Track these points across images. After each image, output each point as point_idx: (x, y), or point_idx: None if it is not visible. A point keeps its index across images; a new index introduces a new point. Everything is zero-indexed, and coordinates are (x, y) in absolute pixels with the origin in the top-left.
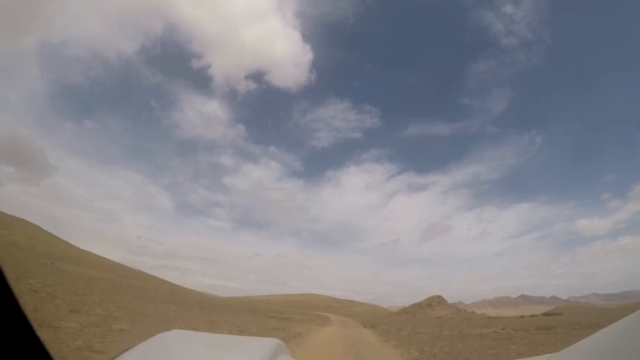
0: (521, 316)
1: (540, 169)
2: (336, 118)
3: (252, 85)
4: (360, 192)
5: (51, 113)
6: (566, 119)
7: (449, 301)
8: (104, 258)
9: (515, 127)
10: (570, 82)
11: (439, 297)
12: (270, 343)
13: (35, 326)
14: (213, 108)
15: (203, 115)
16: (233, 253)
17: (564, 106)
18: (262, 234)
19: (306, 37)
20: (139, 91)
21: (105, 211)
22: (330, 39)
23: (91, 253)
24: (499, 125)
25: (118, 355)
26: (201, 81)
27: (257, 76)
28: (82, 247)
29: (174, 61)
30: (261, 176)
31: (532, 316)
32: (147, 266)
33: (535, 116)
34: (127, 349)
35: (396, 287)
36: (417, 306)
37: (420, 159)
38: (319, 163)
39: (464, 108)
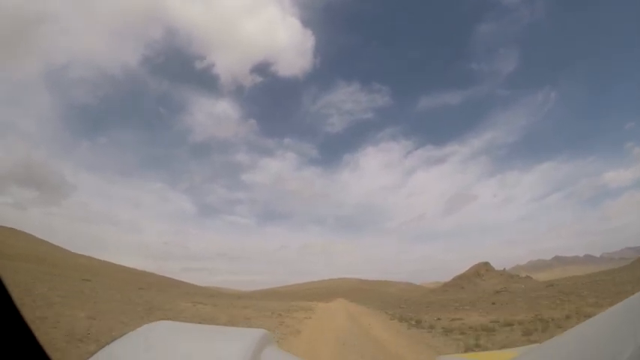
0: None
1: (557, 126)
2: (347, 101)
3: (259, 79)
4: (380, 172)
5: (65, 135)
6: (579, 71)
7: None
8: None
9: (527, 86)
10: (579, 32)
11: (486, 264)
12: (257, 333)
13: (34, 329)
14: (223, 107)
15: (213, 115)
16: (258, 248)
17: (575, 58)
18: (286, 225)
19: (306, 23)
20: (148, 101)
21: (128, 223)
22: (330, 22)
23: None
24: (510, 87)
25: (104, 346)
26: (207, 82)
27: (262, 69)
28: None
29: (178, 66)
30: (279, 168)
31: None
32: (175, 270)
33: (546, 73)
34: (114, 340)
35: (427, 263)
36: (463, 277)
37: (435, 131)
38: (335, 148)
39: (473, 73)
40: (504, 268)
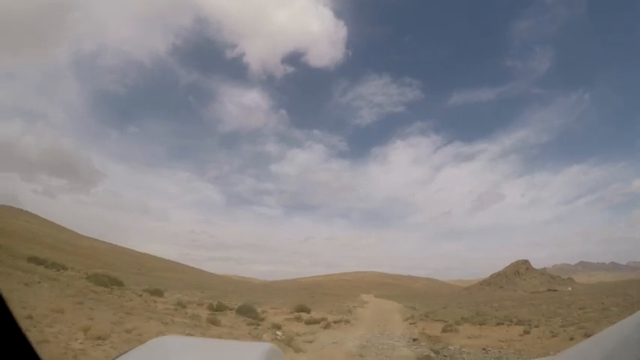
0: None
1: (590, 128)
2: (377, 94)
3: (290, 69)
4: (408, 166)
5: (94, 123)
6: (614, 74)
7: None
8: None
9: (561, 86)
10: (617, 33)
11: (526, 262)
12: (264, 347)
13: (24, 328)
14: (253, 97)
15: (243, 105)
16: (285, 239)
17: (611, 60)
18: (312, 217)
19: (338, 14)
20: (177, 91)
21: (155, 211)
22: (363, 13)
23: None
24: (544, 86)
25: None
26: (237, 71)
27: (293, 59)
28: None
29: (208, 55)
30: (307, 160)
31: None
32: (201, 259)
33: (581, 73)
34: (120, 355)
35: (450, 260)
36: (501, 275)
37: (466, 128)
38: (364, 141)
39: (507, 71)
40: (544, 268)
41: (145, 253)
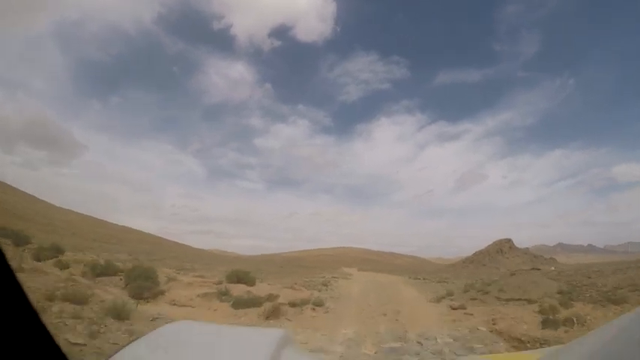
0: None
1: (574, 113)
2: (364, 70)
3: (277, 43)
4: (392, 144)
5: (76, 93)
6: (599, 60)
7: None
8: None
9: (547, 70)
10: (604, 21)
11: (509, 241)
12: (277, 333)
13: (41, 314)
14: (239, 69)
15: (229, 77)
16: (267, 214)
17: (597, 47)
18: (296, 192)
19: None
20: (162, 61)
21: (137, 184)
22: None
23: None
24: (530, 69)
25: (124, 346)
26: (224, 43)
27: (281, 33)
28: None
29: (195, 26)
30: (292, 135)
31: None
32: (182, 232)
33: (567, 59)
34: (133, 340)
35: (432, 238)
36: (484, 253)
37: (451, 107)
38: (349, 118)
39: (494, 53)
40: (527, 247)
41: (122, 226)
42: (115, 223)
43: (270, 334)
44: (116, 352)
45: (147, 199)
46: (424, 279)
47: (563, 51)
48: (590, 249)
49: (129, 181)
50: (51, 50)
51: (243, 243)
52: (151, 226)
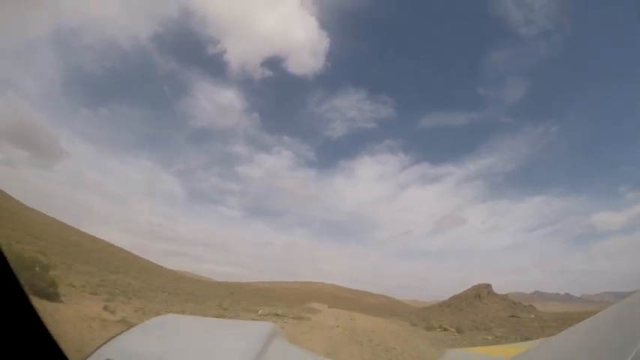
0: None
1: (555, 160)
2: (351, 108)
3: (268, 73)
4: (373, 183)
5: (65, 100)
6: (583, 109)
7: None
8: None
9: (531, 117)
10: (588, 72)
11: (487, 286)
12: (265, 327)
13: (41, 315)
14: (228, 96)
15: (217, 103)
16: (243, 241)
17: (581, 97)
18: (273, 223)
19: (323, 25)
20: (154, 79)
21: (116, 197)
22: (347, 27)
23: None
24: (514, 115)
25: (111, 339)
26: (216, 68)
27: (273, 64)
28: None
29: (190, 47)
30: (275, 165)
31: None
32: (156, 251)
33: (551, 106)
34: (121, 333)
35: (409, 279)
36: (462, 298)
37: (434, 150)
38: (333, 153)
39: (479, 98)
40: (507, 294)
41: (91, 235)
42: (84, 231)
43: (258, 327)
44: (101, 346)
45: (123, 214)
46: (413, 324)
47: (547, 98)
48: (567, 298)
49: (107, 194)
50: (47, 54)
51: (216, 268)
52: (124, 241)
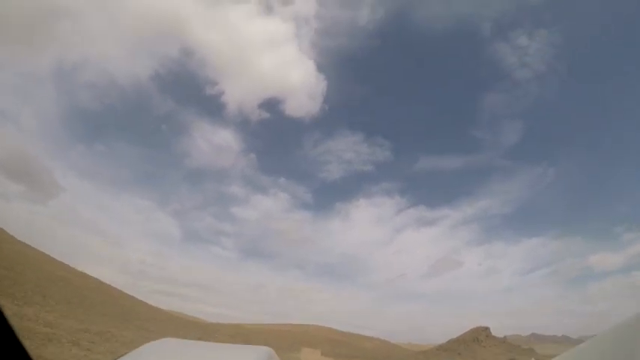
0: None
1: (552, 202)
2: (347, 150)
3: (265, 115)
4: (369, 225)
5: (63, 135)
6: (579, 151)
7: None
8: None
9: (527, 159)
10: (584, 114)
11: (486, 329)
12: (261, 351)
13: (18, 332)
14: (225, 137)
15: (214, 143)
16: (236, 283)
17: (577, 139)
18: (268, 265)
19: (320, 68)
20: (151, 118)
21: (110, 235)
22: (344, 71)
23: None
24: (510, 158)
25: None
26: (213, 109)
27: (270, 106)
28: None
29: (188, 88)
30: (270, 207)
31: None
32: (148, 290)
33: (547, 149)
34: (118, 358)
35: (405, 323)
36: (459, 341)
37: (430, 193)
38: (329, 196)
39: (475, 141)
40: (505, 336)
41: (80, 271)
42: (73, 267)
43: (254, 351)
44: None
45: (116, 252)
46: None
47: (543, 140)
48: (565, 340)
49: (102, 231)
50: (47, 88)
51: (208, 309)
52: (117, 279)
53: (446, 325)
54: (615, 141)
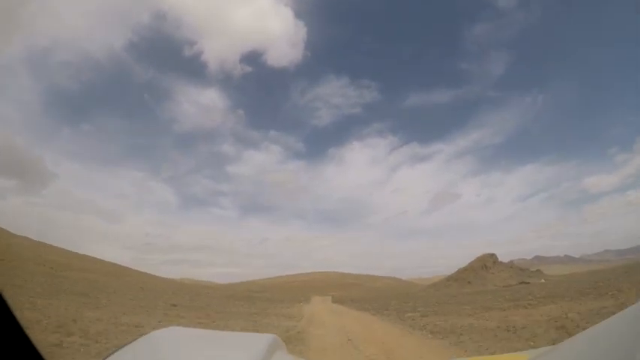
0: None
1: (543, 128)
2: (335, 95)
3: (248, 69)
4: (364, 167)
5: (46, 121)
6: (567, 76)
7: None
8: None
9: (516, 88)
10: (570, 38)
11: (492, 255)
12: (267, 338)
13: (25, 326)
14: (210, 96)
15: (200, 104)
16: (241, 241)
17: (565, 63)
18: (269, 218)
19: (299, 14)
20: (133, 88)
21: (110, 212)
22: (323, 14)
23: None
24: (499, 88)
25: (114, 352)
26: (194, 69)
27: (252, 59)
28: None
29: (165, 52)
30: (264, 161)
31: None
32: (156, 262)
33: (535, 76)
34: (124, 346)
35: (410, 259)
36: (468, 270)
37: (422, 129)
38: (321, 142)
39: (463, 73)
40: (512, 261)
41: (83, 254)
42: (76, 251)
43: (260, 339)
44: (105, 358)
45: (119, 229)
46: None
47: (531, 68)
48: (568, 259)
49: (101, 211)
50: (22, 76)
51: (218, 271)
52: (124, 257)
53: (452, 257)
54: (605, 63)
